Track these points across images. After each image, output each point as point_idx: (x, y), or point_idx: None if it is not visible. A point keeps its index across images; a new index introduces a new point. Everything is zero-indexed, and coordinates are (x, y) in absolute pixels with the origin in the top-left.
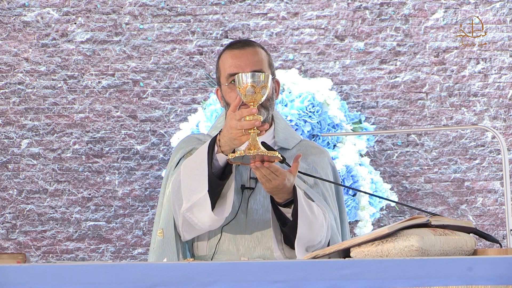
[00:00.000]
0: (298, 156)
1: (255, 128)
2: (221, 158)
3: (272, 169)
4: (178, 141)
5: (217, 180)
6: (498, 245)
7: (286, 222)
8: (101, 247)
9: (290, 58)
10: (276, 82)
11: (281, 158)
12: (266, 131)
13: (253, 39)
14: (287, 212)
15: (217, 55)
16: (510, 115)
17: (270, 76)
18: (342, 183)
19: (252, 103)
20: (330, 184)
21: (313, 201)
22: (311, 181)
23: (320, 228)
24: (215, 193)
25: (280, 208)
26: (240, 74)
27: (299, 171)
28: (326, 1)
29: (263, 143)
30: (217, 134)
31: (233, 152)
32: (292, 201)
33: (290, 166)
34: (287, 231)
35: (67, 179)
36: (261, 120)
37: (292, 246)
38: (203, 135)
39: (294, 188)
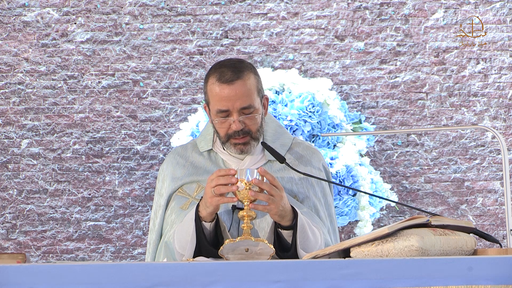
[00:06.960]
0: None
1: (249, 223)
2: (207, 225)
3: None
4: (178, 141)
5: (213, 248)
6: (498, 245)
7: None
8: (101, 247)
9: (290, 58)
10: (265, 99)
11: (273, 249)
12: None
13: (252, 40)
14: (289, 235)
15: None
16: (510, 115)
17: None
18: (342, 183)
19: (244, 200)
20: (321, 191)
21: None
22: (303, 194)
23: (314, 247)
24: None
25: (283, 231)
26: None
27: (299, 171)
28: (326, 1)
29: (263, 143)
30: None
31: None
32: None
33: (290, 166)
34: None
35: (67, 179)
36: (254, 216)
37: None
38: (189, 149)
39: (295, 210)
